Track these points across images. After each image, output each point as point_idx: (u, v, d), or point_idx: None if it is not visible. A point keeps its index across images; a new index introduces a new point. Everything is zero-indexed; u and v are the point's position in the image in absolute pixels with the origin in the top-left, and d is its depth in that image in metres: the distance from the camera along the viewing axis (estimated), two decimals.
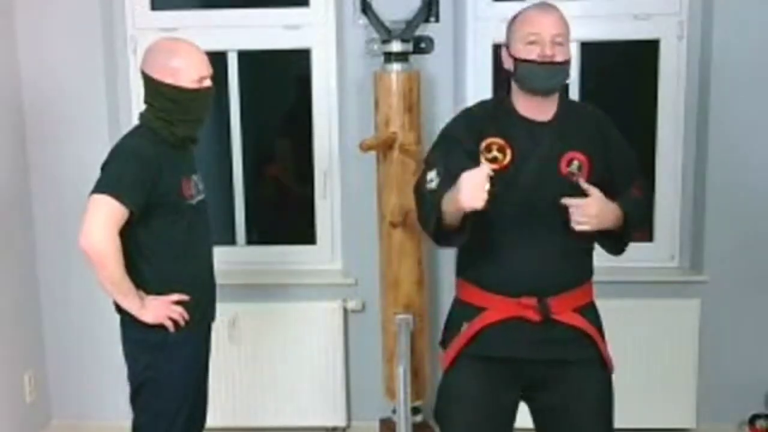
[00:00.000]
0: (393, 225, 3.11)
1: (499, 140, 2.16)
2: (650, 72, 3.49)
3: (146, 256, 2.40)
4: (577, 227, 2.09)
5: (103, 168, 2.36)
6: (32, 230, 3.57)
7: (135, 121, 2.57)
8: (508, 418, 2.30)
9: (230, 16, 3.59)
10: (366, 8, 3.26)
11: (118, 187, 2.28)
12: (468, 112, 2.33)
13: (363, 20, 3.30)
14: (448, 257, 3.12)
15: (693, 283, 3.47)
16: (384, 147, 3.08)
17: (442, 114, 3.20)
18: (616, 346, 2.36)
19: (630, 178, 2.28)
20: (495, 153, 2.15)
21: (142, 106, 2.48)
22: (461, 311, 2.29)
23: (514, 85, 2.22)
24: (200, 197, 2.50)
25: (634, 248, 3.55)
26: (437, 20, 3.32)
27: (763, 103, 3.33)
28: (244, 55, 3.63)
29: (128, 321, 2.42)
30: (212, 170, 3.68)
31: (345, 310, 3.54)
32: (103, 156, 2.40)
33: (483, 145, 2.16)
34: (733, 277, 3.43)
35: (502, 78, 2.29)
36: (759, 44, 3.30)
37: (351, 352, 3.59)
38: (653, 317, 3.43)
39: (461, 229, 2.06)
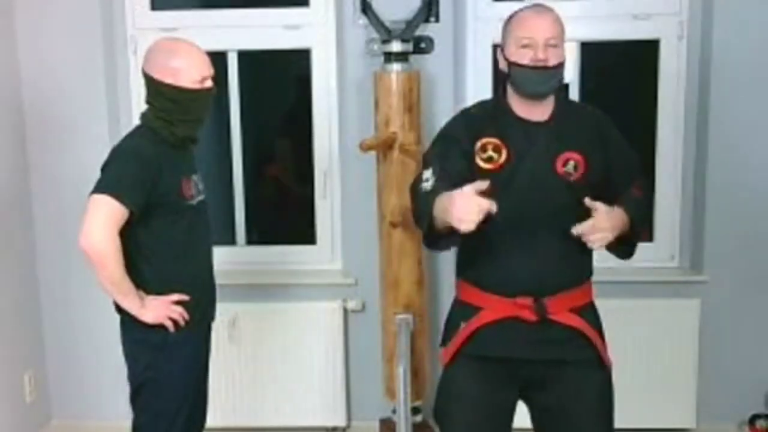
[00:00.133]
0: (393, 225, 3.11)
1: (494, 140, 2.16)
2: (650, 72, 3.49)
3: (146, 256, 2.40)
4: (597, 246, 2.11)
5: (104, 168, 2.36)
6: (32, 230, 3.57)
7: (135, 121, 2.57)
8: (507, 417, 2.30)
9: (230, 16, 3.59)
10: (366, 8, 3.27)
11: (119, 187, 2.28)
12: (466, 112, 2.34)
13: (363, 20, 3.30)
14: (448, 257, 3.12)
15: (693, 283, 3.47)
16: (384, 147, 3.08)
17: (442, 114, 3.20)
18: (616, 346, 2.37)
19: (630, 177, 2.28)
20: (490, 153, 2.16)
21: (143, 106, 2.48)
22: (460, 311, 2.30)
23: (509, 87, 2.23)
24: (200, 197, 2.50)
25: None
26: (437, 20, 3.32)
27: (763, 103, 3.33)
28: (244, 55, 3.63)
29: (128, 321, 2.42)
30: (212, 170, 3.68)
31: (345, 310, 3.54)
32: (103, 156, 2.40)
33: (478, 145, 2.17)
34: (733, 277, 3.43)
35: (501, 78, 2.29)
36: (759, 44, 3.30)
37: (351, 352, 3.59)
38: (653, 317, 3.43)
39: (450, 235, 2.06)
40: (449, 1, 3.34)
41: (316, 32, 3.54)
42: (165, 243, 2.41)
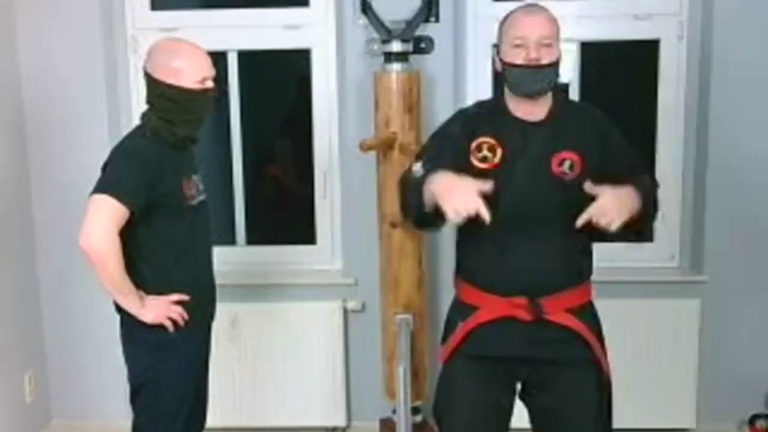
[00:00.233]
0: (393, 225, 3.11)
1: (489, 140, 2.17)
2: (650, 72, 3.49)
3: (146, 256, 2.39)
4: (613, 228, 2.02)
5: (104, 168, 2.36)
6: (32, 230, 3.57)
7: (135, 121, 2.57)
8: (505, 417, 2.31)
9: (230, 16, 3.59)
10: (366, 8, 3.26)
11: (119, 187, 2.28)
12: (464, 111, 2.35)
13: (363, 20, 3.30)
14: (448, 257, 3.12)
15: (693, 283, 3.47)
16: (384, 147, 3.08)
17: (442, 114, 3.17)
18: (616, 346, 2.36)
19: (632, 175, 2.25)
20: (485, 152, 2.16)
21: (143, 106, 2.48)
22: (458, 310, 2.31)
23: (505, 87, 2.23)
24: (201, 197, 2.50)
25: (634, 248, 3.61)
26: (437, 20, 3.32)
27: (763, 103, 3.33)
28: (244, 55, 3.63)
29: (128, 321, 2.42)
30: (212, 170, 3.68)
31: (345, 310, 3.54)
32: (103, 156, 2.40)
33: (474, 144, 2.18)
34: (733, 277, 3.43)
35: (499, 78, 2.30)
36: (759, 44, 3.30)
37: (351, 352, 3.59)
38: (653, 317, 3.43)
39: (435, 218, 2.07)
40: (449, 1, 3.34)
41: (316, 32, 3.54)
42: (165, 243, 2.40)
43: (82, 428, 3.66)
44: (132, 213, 2.29)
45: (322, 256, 3.69)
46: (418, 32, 3.24)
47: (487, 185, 1.98)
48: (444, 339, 2.35)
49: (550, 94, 2.22)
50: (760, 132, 3.35)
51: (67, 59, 3.45)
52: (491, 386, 2.25)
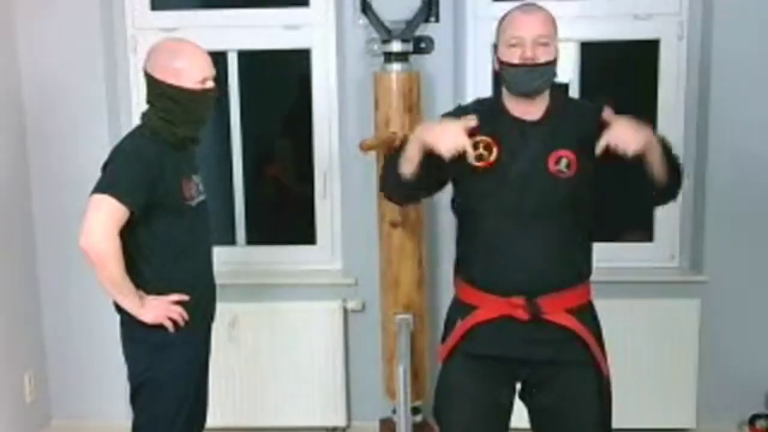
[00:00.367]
0: (393, 225, 3.11)
1: (485, 138, 2.17)
2: (650, 72, 3.49)
3: (146, 257, 2.39)
4: (631, 151, 1.99)
5: (104, 168, 2.36)
6: (32, 230, 3.57)
7: (135, 121, 2.57)
8: (504, 416, 2.31)
9: (230, 16, 3.59)
10: (366, 8, 3.26)
11: (119, 187, 2.28)
12: (462, 108, 2.35)
13: (363, 20, 3.30)
14: (448, 257, 3.12)
15: (693, 283, 3.46)
16: (384, 147, 3.07)
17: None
18: (616, 346, 2.36)
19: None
20: (481, 151, 2.16)
21: (143, 106, 2.48)
22: (457, 309, 2.32)
23: (503, 86, 2.24)
24: (201, 198, 2.50)
25: (634, 248, 3.62)
26: (437, 20, 3.32)
27: (763, 102, 3.33)
28: (244, 55, 3.63)
29: (128, 321, 2.42)
30: (212, 170, 3.68)
31: (345, 310, 3.54)
32: (103, 156, 2.40)
33: (470, 142, 2.17)
34: (733, 277, 3.43)
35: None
36: (759, 44, 3.30)
37: (351, 352, 3.59)
38: (653, 317, 3.43)
39: (419, 175, 2.15)
40: (449, 1, 3.34)
41: (316, 32, 3.54)
42: (165, 243, 2.40)
43: (82, 428, 3.66)
44: (132, 213, 2.29)
45: (322, 256, 3.69)
46: (418, 32, 3.24)
47: (472, 121, 2.11)
48: (444, 338, 2.35)
49: (547, 93, 2.22)
50: (760, 131, 3.35)
51: (67, 59, 3.45)
52: (490, 385, 2.26)
